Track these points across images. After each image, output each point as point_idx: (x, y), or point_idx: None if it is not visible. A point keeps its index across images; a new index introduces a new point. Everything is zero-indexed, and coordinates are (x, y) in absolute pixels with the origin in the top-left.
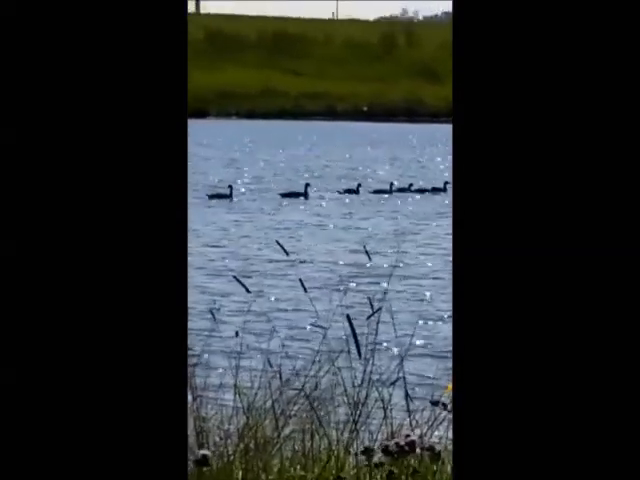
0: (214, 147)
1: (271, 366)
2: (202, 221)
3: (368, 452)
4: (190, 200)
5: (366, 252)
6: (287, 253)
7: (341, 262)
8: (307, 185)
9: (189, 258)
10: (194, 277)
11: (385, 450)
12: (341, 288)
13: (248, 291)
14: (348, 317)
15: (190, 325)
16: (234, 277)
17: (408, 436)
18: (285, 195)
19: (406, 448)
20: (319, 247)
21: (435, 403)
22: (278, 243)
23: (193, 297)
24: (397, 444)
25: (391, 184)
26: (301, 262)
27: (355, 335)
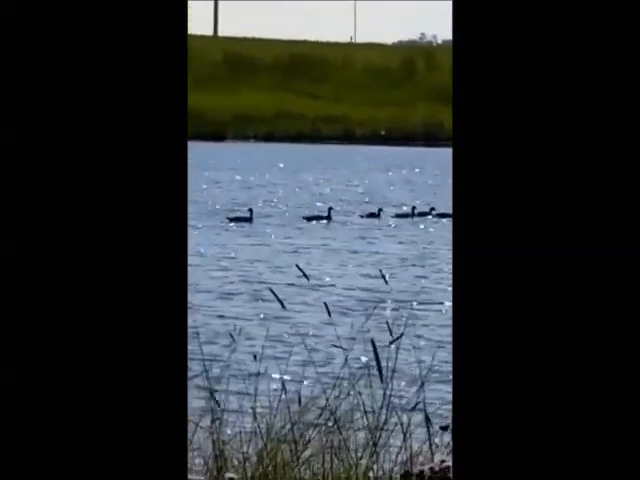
0: (233, 170)
1: (285, 392)
2: (222, 244)
3: (407, 477)
4: (210, 223)
5: (383, 277)
6: (307, 278)
7: (365, 286)
8: (330, 209)
9: (209, 281)
10: (209, 301)
11: (419, 475)
12: (364, 313)
13: (283, 307)
14: (372, 342)
15: (209, 349)
16: (270, 290)
17: (443, 461)
18: (309, 218)
19: (440, 474)
20: (340, 271)
21: (445, 428)
22: (298, 267)
23: (211, 321)
24: (431, 469)
25: (413, 208)
26: (323, 286)
27: (378, 360)
